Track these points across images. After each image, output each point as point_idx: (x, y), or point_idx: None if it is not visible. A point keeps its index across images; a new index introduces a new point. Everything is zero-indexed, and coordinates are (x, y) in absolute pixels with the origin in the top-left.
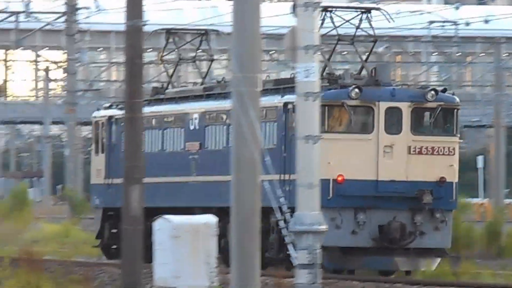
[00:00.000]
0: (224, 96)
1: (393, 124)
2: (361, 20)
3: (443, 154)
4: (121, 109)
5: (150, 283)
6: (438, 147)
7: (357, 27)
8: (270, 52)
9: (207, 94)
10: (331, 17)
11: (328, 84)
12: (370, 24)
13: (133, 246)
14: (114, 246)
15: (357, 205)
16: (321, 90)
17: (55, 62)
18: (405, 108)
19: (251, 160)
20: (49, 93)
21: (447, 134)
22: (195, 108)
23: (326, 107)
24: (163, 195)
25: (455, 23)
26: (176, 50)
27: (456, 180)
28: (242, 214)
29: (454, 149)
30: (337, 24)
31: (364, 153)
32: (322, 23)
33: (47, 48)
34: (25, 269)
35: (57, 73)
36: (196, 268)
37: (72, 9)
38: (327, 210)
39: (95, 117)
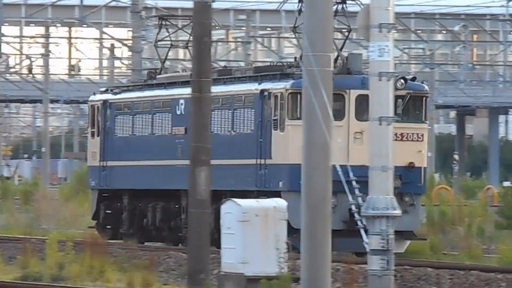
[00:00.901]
0: (217, 81)
1: (363, 111)
2: (336, 10)
3: (412, 140)
4: (115, 93)
5: (216, 268)
6: (407, 133)
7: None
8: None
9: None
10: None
11: (299, 70)
12: (345, 14)
13: (200, 230)
14: (109, 226)
15: None
16: (294, 78)
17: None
18: None
19: (322, 143)
20: (114, 71)
21: (416, 121)
22: (181, 93)
23: (298, 95)
24: (153, 177)
25: None
26: (169, 35)
27: (425, 165)
28: (312, 199)
29: (423, 135)
30: None
31: (335, 138)
32: (299, 14)
33: (111, 25)
34: (88, 253)
35: (122, 51)
36: (265, 254)
37: None
38: (298, 194)
39: (91, 101)
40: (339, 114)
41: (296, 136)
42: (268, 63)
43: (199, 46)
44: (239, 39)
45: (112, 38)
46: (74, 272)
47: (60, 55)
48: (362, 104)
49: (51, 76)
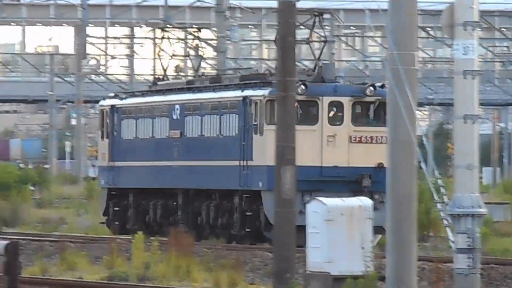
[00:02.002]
0: (201, 89)
1: (335, 116)
2: (314, 22)
3: (381, 142)
4: (121, 99)
5: (302, 267)
6: (376, 136)
7: (311, 30)
8: (427, 29)
9: (188, 87)
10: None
11: None
12: (322, 27)
13: (286, 229)
14: (116, 223)
15: (304, 188)
16: (272, 86)
17: (205, 40)
18: (346, 102)
19: (407, 142)
20: (199, 71)
21: (384, 124)
22: (177, 99)
23: (275, 102)
24: (153, 177)
25: None
26: (171, 46)
27: None
28: (398, 199)
29: None
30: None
31: (309, 142)
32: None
33: (196, 25)
34: (174, 253)
35: (207, 51)
36: (350, 253)
37: None
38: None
39: (101, 105)
40: (313, 119)
41: (273, 139)
42: (253, 72)
43: (284, 46)
44: (322, 39)
45: (197, 38)
46: (160, 272)
47: (144, 55)
48: (335, 109)
49: (135, 76)
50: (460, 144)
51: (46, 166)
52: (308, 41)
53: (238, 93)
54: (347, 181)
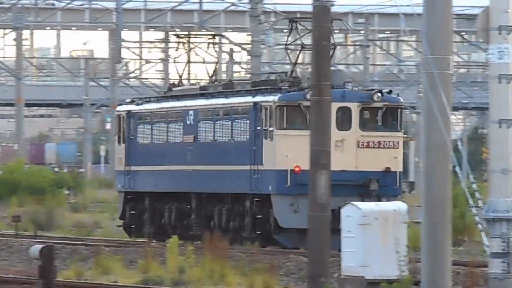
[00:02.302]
0: (214, 95)
1: (343, 121)
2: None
3: (388, 147)
4: (137, 104)
5: (337, 272)
6: (384, 141)
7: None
8: (461, 33)
9: (201, 93)
10: (296, 28)
11: (289, 86)
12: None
13: (320, 233)
14: (133, 226)
15: None
16: (281, 92)
17: (239, 44)
18: (354, 107)
19: (442, 146)
20: (233, 75)
21: (391, 130)
22: (191, 105)
23: (285, 107)
24: (167, 181)
25: None
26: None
27: (400, 170)
28: (433, 202)
29: (398, 143)
30: (302, 33)
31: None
32: (289, 33)
33: (230, 29)
34: (209, 257)
35: (241, 56)
36: (385, 257)
37: None
38: (285, 196)
39: (117, 111)
40: None
41: (283, 144)
42: (265, 78)
43: (318, 50)
44: (357, 43)
45: (231, 42)
46: (194, 276)
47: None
48: (343, 115)
49: (170, 80)
50: (495, 148)
51: (81, 170)
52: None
53: (249, 99)
54: (355, 185)
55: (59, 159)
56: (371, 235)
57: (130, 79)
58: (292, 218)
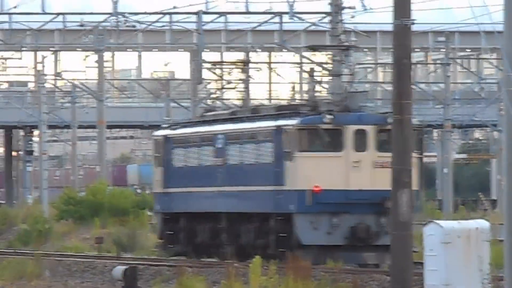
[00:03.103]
0: (242, 119)
1: (360, 143)
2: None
3: None
4: (173, 129)
5: None
6: None
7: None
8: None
9: (230, 118)
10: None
11: (309, 109)
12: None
13: (403, 252)
14: (171, 246)
15: (331, 210)
16: (301, 116)
17: (320, 64)
18: (370, 129)
19: None
20: (315, 95)
21: None
22: (221, 129)
23: (304, 130)
24: (200, 202)
25: None
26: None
27: (416, 188)
28: None
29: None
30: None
31: (336, 167)
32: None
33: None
34: (292, 277)
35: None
36: (468, 276)
37: (337, 8)
38: (306, 215)
39: (155, 135)
40: (339, 146)
41: (303, 166)
42: (288, 103)
43: (399, 68)
44: (438, 61)
45: (312, 62)
46: None
47: (260, 80)
48: (360, 137)
49: (251, 101)
50: None
51: None
52: (338, 74)
53: (272, 123)
54: (371, 203)
55: (141, 180)
56: (454, 254)
57: (211, 100)
58: (312, 235)
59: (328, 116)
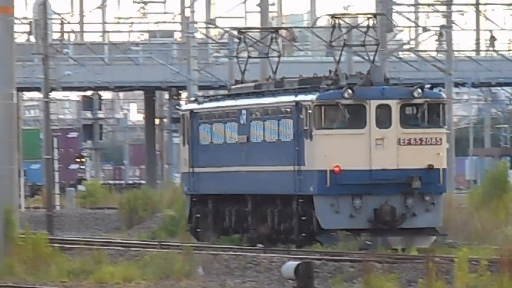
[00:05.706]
0: (265, 93)
1: (383, 119)
2: (368, 26)
3: (431, 144)
4: (199, 103)
5: None
6: (426, 138)
7: (365, 33)
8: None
9: (253, 92)
10: (339, 24)
11: (329, 84)
12: (375, 29)
13: None
14: (198, 230)
15: (353, 192)
16: (320, 91)
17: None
18: (394, 105)
19: None
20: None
21: (434, 126)
22: (244, 104)
23: (323, 107)
24: (226, 183)
25: None
26: (247, 47)
27: (444, 166)
28: None
29: (441, 139)
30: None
31: (358, 146)
32: (333, 30)
33: None
34: (507, 274)
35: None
36: None
37: None
38: (326, 197)
39: (181, 110)
40: (360, 123)
41: (322, 144)
42: (312, 76)
43: None
44: None
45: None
46: None
47: (466, 26)
48: (383, 113)
49: (455, 53)
50: None
51: None
52: (363, 44)
53: (292, 98)
54: (396, 183)
55: None
56: None
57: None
58: (333, 219)
59: (349, 91)
